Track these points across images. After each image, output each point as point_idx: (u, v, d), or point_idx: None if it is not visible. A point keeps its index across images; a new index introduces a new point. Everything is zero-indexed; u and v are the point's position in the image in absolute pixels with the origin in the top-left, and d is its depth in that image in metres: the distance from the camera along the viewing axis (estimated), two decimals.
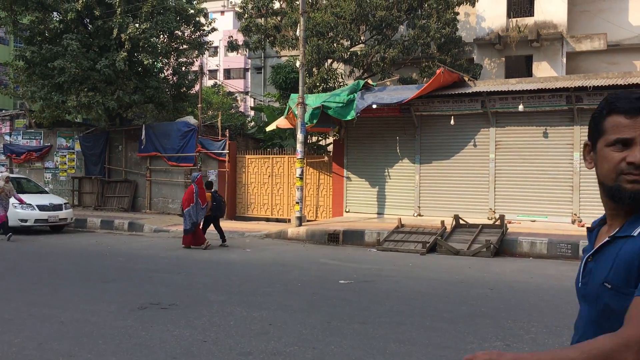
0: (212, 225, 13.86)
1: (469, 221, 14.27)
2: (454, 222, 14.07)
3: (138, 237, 14.79)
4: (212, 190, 13.99)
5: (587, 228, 1.84)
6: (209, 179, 19.76)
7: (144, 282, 9.03)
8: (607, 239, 1.63)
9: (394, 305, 7.50)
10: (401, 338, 5.97)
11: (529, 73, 22.50)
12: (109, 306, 7.28)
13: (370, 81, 17.57)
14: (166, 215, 19.79)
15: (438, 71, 15.05)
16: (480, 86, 15.82)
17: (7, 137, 23.61)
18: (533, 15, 22.28)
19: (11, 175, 20.12)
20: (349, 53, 20.43)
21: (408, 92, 15.59)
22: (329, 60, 20.81)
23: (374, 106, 15.51)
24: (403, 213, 16.33)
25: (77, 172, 22.38)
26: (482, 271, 10.34)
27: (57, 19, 20.52)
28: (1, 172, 18.93)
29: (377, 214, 17.15)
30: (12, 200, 15.95)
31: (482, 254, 12.08)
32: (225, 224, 17.58)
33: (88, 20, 20.72)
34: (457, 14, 21.21)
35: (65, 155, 22.55)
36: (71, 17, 19.02)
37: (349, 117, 15.85)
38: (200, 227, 13.38)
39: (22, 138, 23.30)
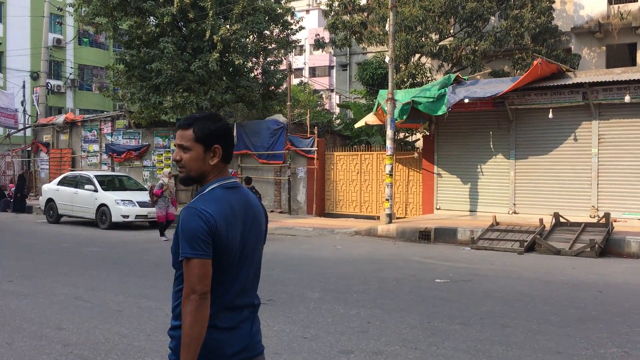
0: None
1: (569, 219, 13.54)
2: (554, 220, 13.38)
3: None
4: (250, 185, 14.78)
5: None
6: (299, 176, 20.01)
7: None
8: None
9: (495, 306, 7.21)
10: (507, 341, 5.70)
11: (632, 62, 21.08)
12: None
13: (460, 75, 17.07)
14: None
15: (535, 62, 14.36)
16: (582, 77, 14.95)
17: (108, 137, 25.00)
18: (637, 1, 20.87)
19: (113, 173, 21.30)
20: (437, 47, 19.97)
21: (503, 85, 15.00)
22: (417, 55, 20.44)
23: (467, 100, 15.06)
24: (497, 210, 15.73)
25: (173, 170, 23.26)
26: (587, 272, 9.76)
27: (154, 24, 21.39)
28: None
29: (469, 211, 16.65)
30: (114, 197, 16.80)
31: (585, 254, 11.41)
32: (315, 221, 17.74)
33: (182, 24, 21.46)
34: (553, 2, 20.26)
35: (162, 154, 23.54)
36: (167, 20, 19.78)
37: (439, 112, 15.46)
38: None
39: (122, 138, 24.59)
